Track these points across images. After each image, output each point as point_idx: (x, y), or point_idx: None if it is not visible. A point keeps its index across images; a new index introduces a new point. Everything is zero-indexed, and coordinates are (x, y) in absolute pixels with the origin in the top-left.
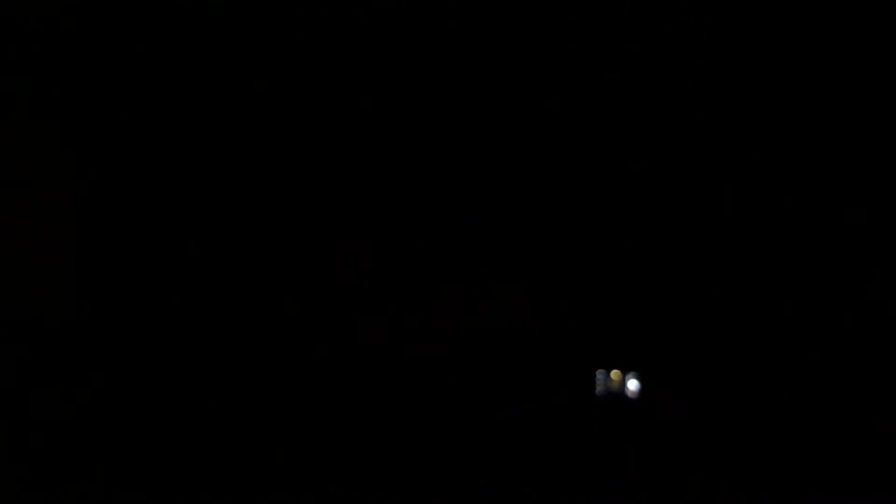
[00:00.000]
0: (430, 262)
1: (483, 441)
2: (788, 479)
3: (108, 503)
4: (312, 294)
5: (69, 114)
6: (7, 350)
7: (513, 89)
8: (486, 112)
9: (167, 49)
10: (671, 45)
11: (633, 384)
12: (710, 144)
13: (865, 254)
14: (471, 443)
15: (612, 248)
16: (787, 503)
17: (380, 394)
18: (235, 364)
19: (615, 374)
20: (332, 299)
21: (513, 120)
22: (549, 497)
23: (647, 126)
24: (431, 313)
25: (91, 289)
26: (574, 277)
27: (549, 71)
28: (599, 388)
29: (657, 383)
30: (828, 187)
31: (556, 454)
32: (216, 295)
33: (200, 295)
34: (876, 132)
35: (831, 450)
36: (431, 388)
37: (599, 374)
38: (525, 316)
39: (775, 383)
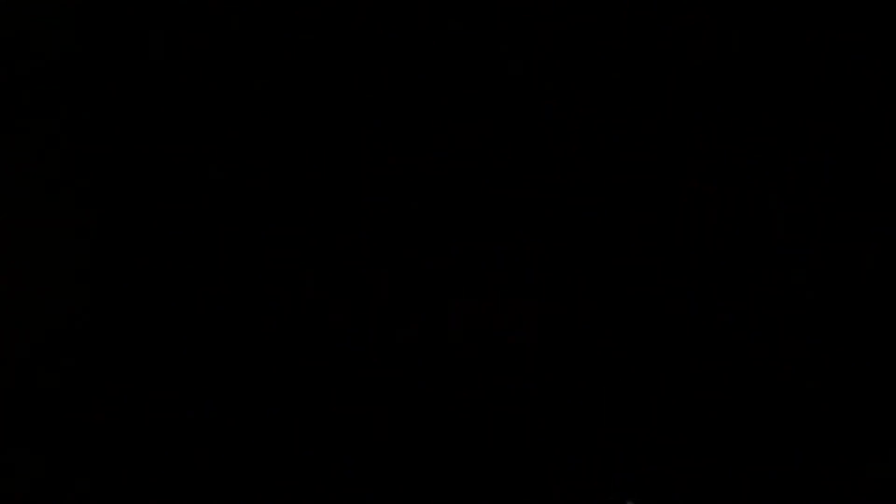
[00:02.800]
0: (441, 273)
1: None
2: None
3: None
4: (320, 305)
5: (69, 113)
6: (7, 350)
7: (532, 99)
8: (501, 122)
9: (167, 49)
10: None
11: None
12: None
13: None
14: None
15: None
16: None
17: (381, 410)
18: (238, 371)
19: None
20: (340, 311)
21: (528, 130)
22: None
23: (670, 135)
24: (441, 327)
25: (94, 289)
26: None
27: (568, 78)
28: None
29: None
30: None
31: None
32: (218, 298)
33: (201, 297)
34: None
35: None
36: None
37: None
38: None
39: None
